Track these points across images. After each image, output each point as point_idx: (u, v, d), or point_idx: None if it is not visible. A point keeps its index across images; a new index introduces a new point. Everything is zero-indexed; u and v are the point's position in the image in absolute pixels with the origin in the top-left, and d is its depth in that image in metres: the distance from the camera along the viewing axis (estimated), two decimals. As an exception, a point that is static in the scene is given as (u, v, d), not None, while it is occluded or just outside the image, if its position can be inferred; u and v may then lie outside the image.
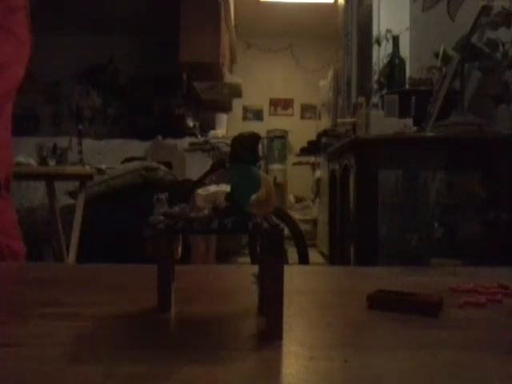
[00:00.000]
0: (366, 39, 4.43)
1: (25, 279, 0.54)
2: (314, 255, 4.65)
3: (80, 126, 3.27)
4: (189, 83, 4.86)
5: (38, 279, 0.55)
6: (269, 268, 0.36)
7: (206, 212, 0.39)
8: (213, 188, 0.42)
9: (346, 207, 2.76)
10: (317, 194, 6.16)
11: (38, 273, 0.59)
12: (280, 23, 7.48)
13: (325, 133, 4.73)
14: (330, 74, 6.16)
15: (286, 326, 0.39)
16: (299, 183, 7.20)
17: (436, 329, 0.38)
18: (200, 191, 0.42)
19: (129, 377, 0.28)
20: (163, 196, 0.44)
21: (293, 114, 8.45)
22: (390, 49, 3.04)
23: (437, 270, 0.70)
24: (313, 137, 5.98)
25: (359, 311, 0.42)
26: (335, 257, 3.03)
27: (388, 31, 3.47)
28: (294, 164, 7.01)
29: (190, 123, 4.72)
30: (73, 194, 2.56)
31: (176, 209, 0.41)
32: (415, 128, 2.30)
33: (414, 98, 2.45)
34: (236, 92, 5.63)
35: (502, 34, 2.26)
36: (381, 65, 3.46)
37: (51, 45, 5.11)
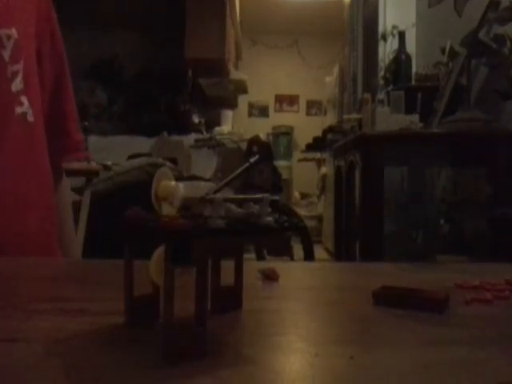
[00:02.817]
0: (371, 35, 4.41)
1: (30, 274, 0.54)
2: (319, 251, 4.64)
3: (85, 123, 3.27)
4: (194, 80, 4.85)
5: (44, 275, 0.55)
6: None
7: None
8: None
9: (351, 204, 2.76)
10: (322, 190, 6.15)
11: (44, 268, 0.59)
12: (285, 19, 7.46)
13: (330, 129, 4.72)
14: (336, 70, 6.14)
15: (291, 323, 0.39)
16: (305, 180, 7.19)
17: (442, 326, 0.37)
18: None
19: (133, 372, 0.28)
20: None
21: (298, 111, 8.43)
22: (395, 45, 3.03)
23: (443, 266, 0.69)
24: (318, 133, 5.96)
25: (365, 308, 0.42)
26: (340, 253, 3.03)
27: (394, 27, 3.45)
28: (300, 160, 7.00)
29: (196, 120, 4.71)
30: (79, 191, 2.56)
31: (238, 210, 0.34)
32: (421, 124, 2.29)
33: (420, 94, 2.44)
34: (241, 88, 5.62)
35: (510, 29, 2.25)
36: (387, 61, 3.44)
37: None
